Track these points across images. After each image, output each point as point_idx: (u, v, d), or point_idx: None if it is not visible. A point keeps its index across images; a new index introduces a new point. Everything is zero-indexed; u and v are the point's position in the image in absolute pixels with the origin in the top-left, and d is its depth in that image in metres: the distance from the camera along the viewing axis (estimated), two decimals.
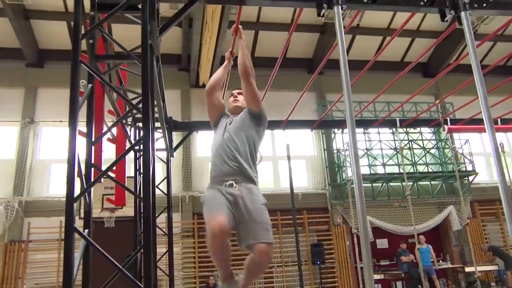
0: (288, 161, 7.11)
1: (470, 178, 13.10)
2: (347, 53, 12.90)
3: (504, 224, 13.18)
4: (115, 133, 4.05)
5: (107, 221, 9.69)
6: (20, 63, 11.74)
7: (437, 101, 6.42)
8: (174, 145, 5.79)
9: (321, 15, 2.66)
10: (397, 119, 6.08)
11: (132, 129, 5.02)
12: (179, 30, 11.48)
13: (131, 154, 5.23)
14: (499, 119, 5.94)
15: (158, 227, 5.68)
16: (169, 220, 5.22)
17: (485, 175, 13.79)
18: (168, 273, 5.05)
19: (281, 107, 9.66)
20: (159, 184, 5.14)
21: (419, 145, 13.13)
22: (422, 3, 2.78)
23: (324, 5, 2.58)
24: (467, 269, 11.87)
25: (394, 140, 12.81)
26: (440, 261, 12.46)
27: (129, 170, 7.04)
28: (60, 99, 11.56)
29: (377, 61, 13.87)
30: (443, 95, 13.73)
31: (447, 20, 2.86)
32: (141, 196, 2.22)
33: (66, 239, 1.91)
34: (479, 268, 10.64)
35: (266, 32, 12.37)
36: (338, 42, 2.45)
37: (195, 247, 11.08)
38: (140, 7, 2.27)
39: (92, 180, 2.34)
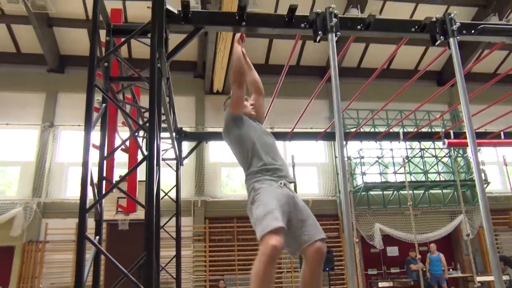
0: (292, 169, 7.30)
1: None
2: (361, 62, 12.98)
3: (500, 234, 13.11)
4: (128, 143, 4.32)
5: (121, 223, 10.03)
6: (42, 69, 12.22)
7: (438, 116, 6.53)
8: (185, 154, 6.05)
9: (317, 41, 2.86)
10: (400, 131, 6.22)
11: (145, 139, 5.29)
12: (195, 38, 11.78)
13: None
14: (502, 133, 6.03)
15: (167, 232, 5.95)
16: (177, 226, 5.47)
17: (498, 184, 13.70)
18: (175, 277, 5.28)
19: (295, 114, 9.87)
20: (168, 192, 5.38)
21: (431, 153, 13.13)
22: (413, 29, 2.96)
23: (320, 32, 2.78)
24: (478, 279, 11.82)
25: (406, 149, 12.85)
26: (451, 269, 12.44)
27: (142, 174, 7.32)
28: (78, 104, 11.90)
29: (391, 69, 14.09)
30: (456, 103, 13.78)
31: (437, 45, 3.03)
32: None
33: (79, 245, 2.15)
34: (488, 278, 10.62)
35: (280, 40, 12.58)
36: (331, 68, 2.64)
37: (206, 250, 11.32)
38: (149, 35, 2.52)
39: (104, 192, 2.58)
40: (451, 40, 2.91)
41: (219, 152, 12.38)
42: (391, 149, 12.68)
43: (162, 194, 6.39)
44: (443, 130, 5.78)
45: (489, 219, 2.61)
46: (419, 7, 12.51)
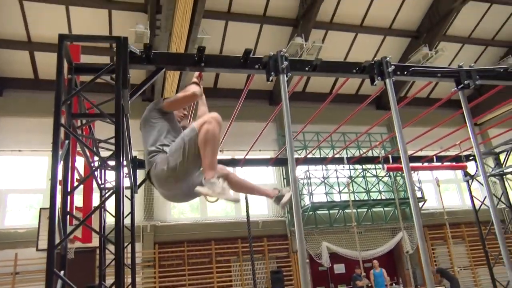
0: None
1: (420, 204, 13.94)
2: (305, 87, 13.53)
3: (451, 247, 14.07)
4: (82, 172, 4.33)
5: (68, 252, 9.64)
6: None
7: (378, 143, 7.07)
8: (139, 181, 6.09)
9: (270, 80, 3.13)
10: (345, 157, 6.67)
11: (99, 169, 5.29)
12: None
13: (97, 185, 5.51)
14: (434, 157, 6.63)
15: (124, 259, 5.89)
16: (133, 253, 5.47)
17: (433, 201, 14.69)
18: None
19: (244, 137, 10.15)
20: (124, 218, 5.35)
21: (372, 173, 13.88)
22: (354, 70, 3.33)
23: (272, 73, 3.06)
24: None
25: (349, 169, 13.50)
26: (394, 284, 13.07)
27: (95, 202, 7.20)
28: (19, 128, 11.53)
29: (339, 94, 14.72)
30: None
31: (375, 84, 3.41)
32: (104, 233, 2.53)
33: (47, 281, 2.21)
34: None
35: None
36: (283, 106, 2.90)
37: (156, 276, 11.14)
38: (114, 77, 2.65)
39: (68, 230, 2.64)
40: (387, 80, 3.30)
41: None
42: (336, 170, 13.27)
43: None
44: (382, 156, 6.26)
45: (423, 238, 2.95)
46: (359, 36, 13.39)
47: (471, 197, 7.90)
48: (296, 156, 13.15)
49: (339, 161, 6.93)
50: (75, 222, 3.27)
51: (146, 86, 3.10)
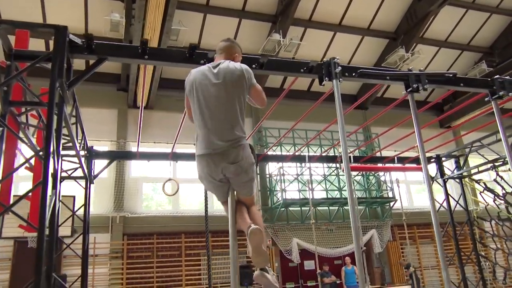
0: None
1: (391, 203, 14.15)
2: (283, 83, 13.41)
3: (420, 247, 14.35)
4: (33, 162, 4.26)
5: (31, 241, 9.53)
6: None
7: (337, 142, 7.12)
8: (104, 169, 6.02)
9: None
10: (306, 155, 6.72)
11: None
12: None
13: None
14: (395, 158, 6.73)
15: (72, 250, 5.86)
16: (84, 245, 5.42)
17: (404, 201, 14.90)
18: None
19: None
20: (77, 211, 5.31)
21: (343, 172, 13.99)
22: (302, 70, 3.35)
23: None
24: None
25: (323, 167, 13.60)
26: None
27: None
28: None
29: (311, 91, 14.81)
30: (370, 126, 14.90)
31: (323, 84, 3.44)
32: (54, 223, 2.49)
33: None
34: None
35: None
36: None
37: (124, 268, 11.07)
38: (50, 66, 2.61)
39: None
40: (334, 81, 3.33)
41: (141, 167, 12.27)
42: (309, 168, 13.33)
43: (70, 213, 6.30)
44: (339, 155, 6.32)
45: (358, 239, 2.98)
46: (338, 35, 13.46)
47: (432, 198, 8.00)
48: (270, 152, 13.21)
49: (301, 159, 6.97)
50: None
51: (87, 76, 3.05)
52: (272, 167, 13.47)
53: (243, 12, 12.21)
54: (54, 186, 2.66)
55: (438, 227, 3.31)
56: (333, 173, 13.72)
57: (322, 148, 13.20)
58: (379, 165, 6.92)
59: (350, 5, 12.73)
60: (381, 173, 14.03)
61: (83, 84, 11.90)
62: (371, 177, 14.53)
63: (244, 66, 2.88)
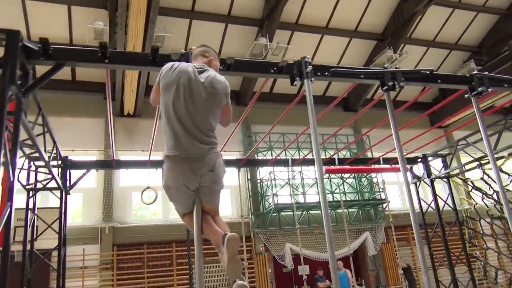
0: None
1: (384, 205, 14.03)
2: (273, 87, 13.35)
3: (415, 248, 14.22)
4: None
5: (17, 255, 9.32)
6: None
7: (308, 153, 7.04)
8: (93, 179, 5.88)
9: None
10: (290, 159, 6.61)
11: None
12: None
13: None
14: (381, 158, 6.63)
15: (48, 263, 5.70)
16: (59, 257, 5.28)
17: (398, 202, 14.83)
18: None
19: None
20: (52, 223, 5.18)
21: (336, 175, 13.90)
22: (272, 71, 3.24)
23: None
24: None
25: (315, 171, 13.49)
26: (357, 285, 13.11)
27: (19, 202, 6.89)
28: None
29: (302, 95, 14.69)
30: (361, 128, 14.84)
31: (295, 85, 3.33)
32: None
33: None
34: None
35: None
36: None
37: (114, 279, 10.89)
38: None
39: None
40: (305, 81, 3.22)
41: (129, 176, 12.11)
42: (300, 171, 13.23)
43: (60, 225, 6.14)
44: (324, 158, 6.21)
45: (331, 241, 2.87)
46: (325, 38, 13.41)
47: (419, 199, 7.96)
48: (261, 157, 13.10)
49: (285, 163, 6.87)
50: None
51: (44, 82, 2.93)
52: (263, 172, 13.35)
53: (229, 17, 12.15)
54: (10, 199, 2.53)
55: (417, 229, 3.20)
56: (324, 177, 13.61)
57: (327, 152, 13.08)
58: (360, 166, 6.80)
59: (336, 7, 12.70)
60: (373, 175, 13.94)
61: (68, 94, 11.71)
62: (363, 179, 14.43)
63: (227, 83, 2.85)
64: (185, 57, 3.03)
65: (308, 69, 3.22)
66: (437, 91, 15.42)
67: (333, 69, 3.39)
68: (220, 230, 2.73)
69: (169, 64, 2.77)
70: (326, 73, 3.35)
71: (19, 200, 5.12)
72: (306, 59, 3.26)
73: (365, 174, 14.27)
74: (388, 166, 6.84)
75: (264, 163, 7.38)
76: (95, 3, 10.84)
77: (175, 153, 2.58)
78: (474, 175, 8.48)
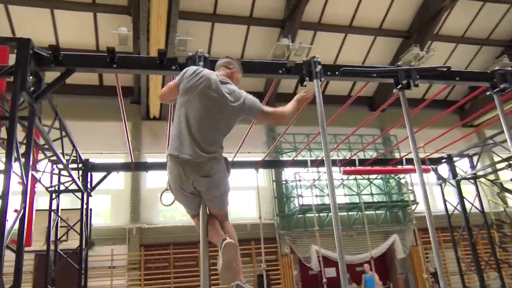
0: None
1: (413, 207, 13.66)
2: (296, 88, 13.23)
3: (445, 251, 13.78)
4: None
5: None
6: None
7: (334, 147, 6.91)
8: (122, 181, 6.02)
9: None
10: (308, 160, 6.53)
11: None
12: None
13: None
14: (403, 159, 6.46)
15: (71, 263, 5.85)
16: (81, 258, 5.40)
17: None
18: None
19: (231, 140, 10.02)
20: (74, 225, 5.34)
21: (363, 176, 13.66)
22: (280, 71, 3.21)
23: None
24: None
25: (339, 172, 13.28)
26: None
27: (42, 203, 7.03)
28: None
29: (326, 95, 14.59)
30: (387, 128, 14.50)
31: (305, 85, 3.29)
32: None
33: None
34: None
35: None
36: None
37: (141, 279, 11.08)
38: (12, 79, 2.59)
39: None
40: (315, 81, 3.17)
41: (157, 178, 12.30)
42: (325, 172, 13.05)
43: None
44: (339, 158, 6.11)
45: (341, 245, 2.81)
46: (349, 37, 13.23)
47: (444, 201, 7.69)
48: (285, 158, 13.02)
49: (303, 164, 6.80)
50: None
51: (55, 87, 3.01)
52: (288, 173, 13.27)
53: (251, 18, 12.17)
54: (24, 200, 2.61)
55: (434, 232, 3.10)
56: (350, 178, 13.39)
57: (340, 153, 12.90)
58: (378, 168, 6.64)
59: (359, 5, 12.49)
60: (401, 176, 13.60)
61: (98, 99, 11.99)
62: (391, 180, 14.12)
63: (248, 100, 2.85)
64: (192, 60, 3.04)
65: (317, 69, 3.18)
66: (467, 89, 14.92)
67: (343, 68, 3.33)
68: (222, 234, 2.73)
69: (192, 68, 2.81)
70: (337, 73, 3.30)
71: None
72: (315, 58, 3.21)
73: (393, 175, 13.97)
74: (410, 166, 6.64)
75: (282, 164, 7.30)
76: (119, 9, 11.09)
77: (175, 153, 2.63)
78: (505, 176, 8.13)
